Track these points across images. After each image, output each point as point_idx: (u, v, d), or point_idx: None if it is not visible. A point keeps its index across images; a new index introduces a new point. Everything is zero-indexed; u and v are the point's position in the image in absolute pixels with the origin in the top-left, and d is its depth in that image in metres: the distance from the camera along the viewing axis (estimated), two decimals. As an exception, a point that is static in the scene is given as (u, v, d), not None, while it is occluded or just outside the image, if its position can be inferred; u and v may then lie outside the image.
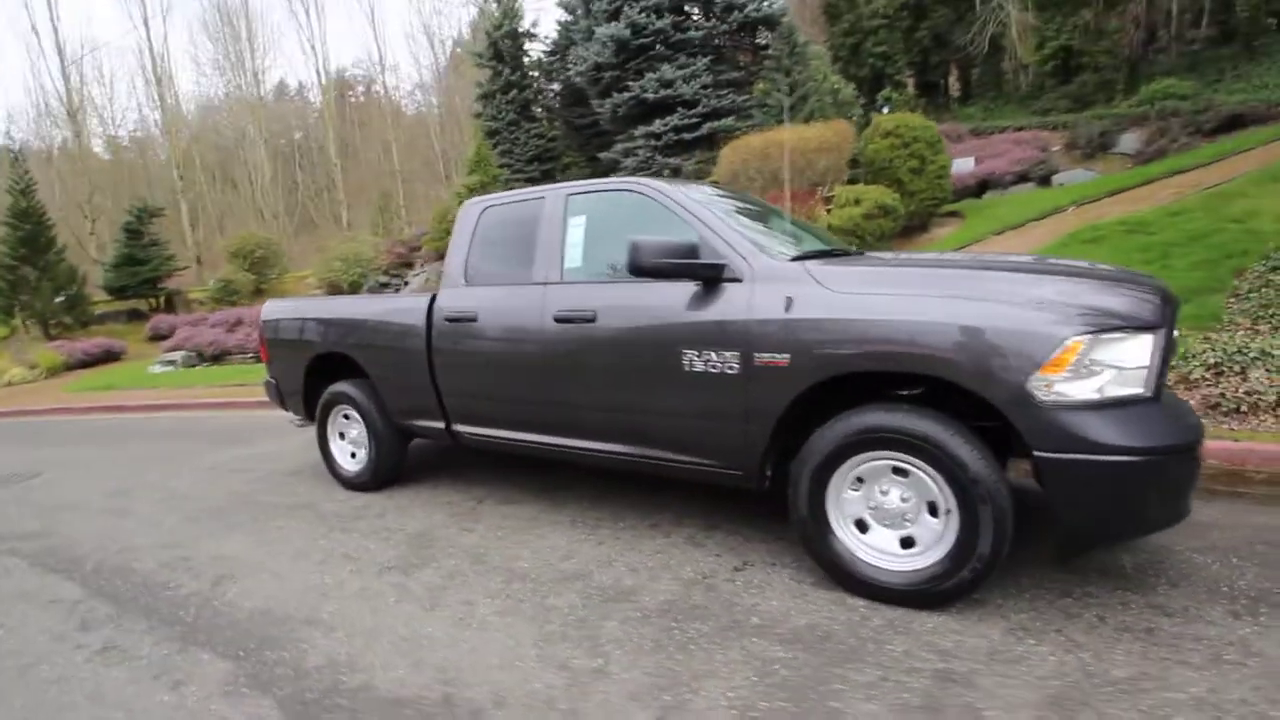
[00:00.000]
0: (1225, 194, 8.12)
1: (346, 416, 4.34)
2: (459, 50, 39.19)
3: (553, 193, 3.43)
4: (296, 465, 5.16)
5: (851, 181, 11.27)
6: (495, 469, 4.52)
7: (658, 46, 17.42)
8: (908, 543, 2.44)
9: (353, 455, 4.37)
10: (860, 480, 2.49)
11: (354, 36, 68.05)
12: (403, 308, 3.92)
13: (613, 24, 17.49)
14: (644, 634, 2.35)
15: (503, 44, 21.57)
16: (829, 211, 10.14)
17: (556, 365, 3.18)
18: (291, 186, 38.25)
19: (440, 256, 19.84)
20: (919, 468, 2.34)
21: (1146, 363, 2.15)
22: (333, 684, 2.18)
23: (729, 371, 2.65)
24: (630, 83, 17.72)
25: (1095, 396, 2.11)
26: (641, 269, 2.68)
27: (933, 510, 2.37)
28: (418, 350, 3.75)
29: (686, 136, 17.66)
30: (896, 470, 2.41)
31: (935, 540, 2.36)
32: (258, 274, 21.73)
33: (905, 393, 2.58)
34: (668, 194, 3.04)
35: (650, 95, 17.52)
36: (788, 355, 2.51)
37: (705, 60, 17.57)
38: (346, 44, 71.14)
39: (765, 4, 17.45)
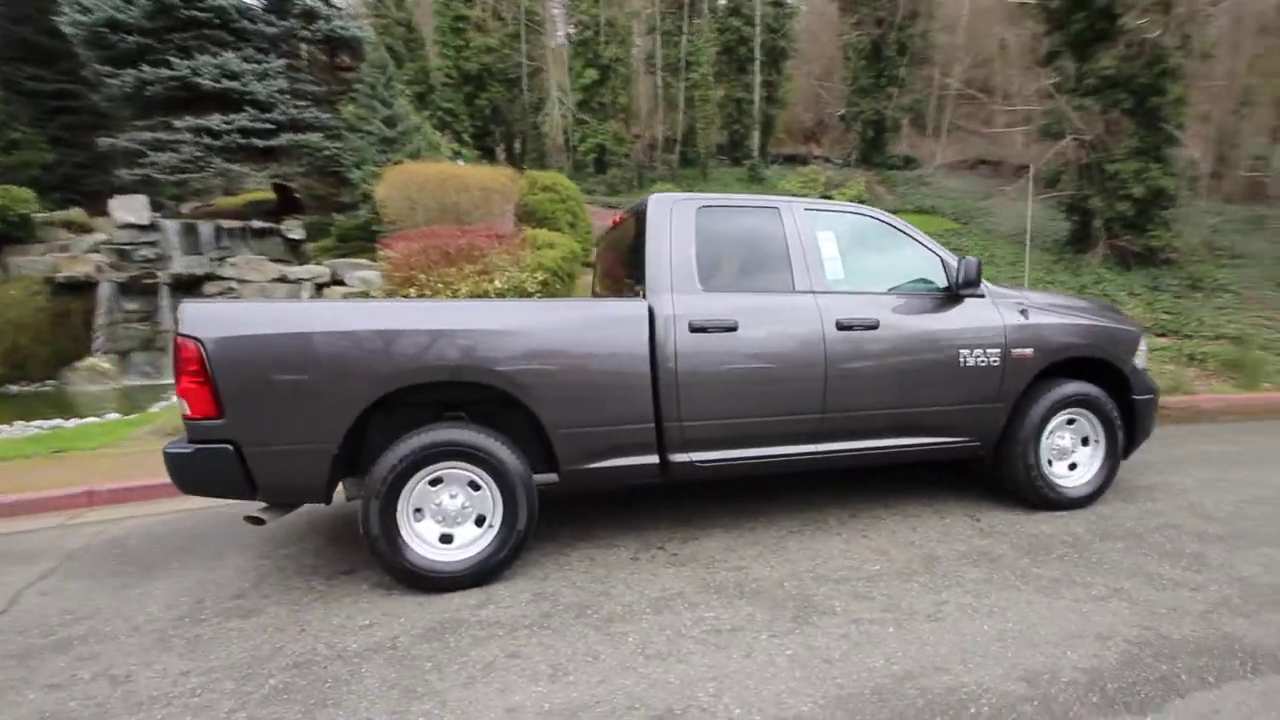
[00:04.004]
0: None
1: (435, 481, 2.88)
2: None
3: (786, 205, 3.45)
4: (198, 595, 2.85)
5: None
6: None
7: (216, 29, 13.99)
8: (1073, 466, 3.79)
9: (446, 539, 2.90)
10: (1050, 433, 3.72)
11: None
12: (605, 315, 3.02)
13: (147, -24, 13.20)
14: (1067, 571, 2.97)
15: None
16: (537, 250, 10.63)
17: (840, 372, 3.26)
18: None
19: None
20: (1084, 416, 3.75)
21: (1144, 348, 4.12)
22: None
23: (993, 364, 3.50)
24: (174, 59, 13.60)
25: (1141, 365, 3.95)
26: (970, 283, 3.29)
27: (1084, 442, 3.80)
28: (635, 368, 3.00)
29: (258, 143, 14.75)
30: (1068, 421, 3.75)
31: (1090, 461, 3.80)
32: None
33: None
34: (902, 223, 3.62)
35: (207, 82, 13.91)
36: (1031, 349, 3.56)
37: (281, 62, 15.08)
38: None
39: (353, 25, 16.25)
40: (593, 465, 3.06)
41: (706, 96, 21.01)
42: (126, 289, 11.62)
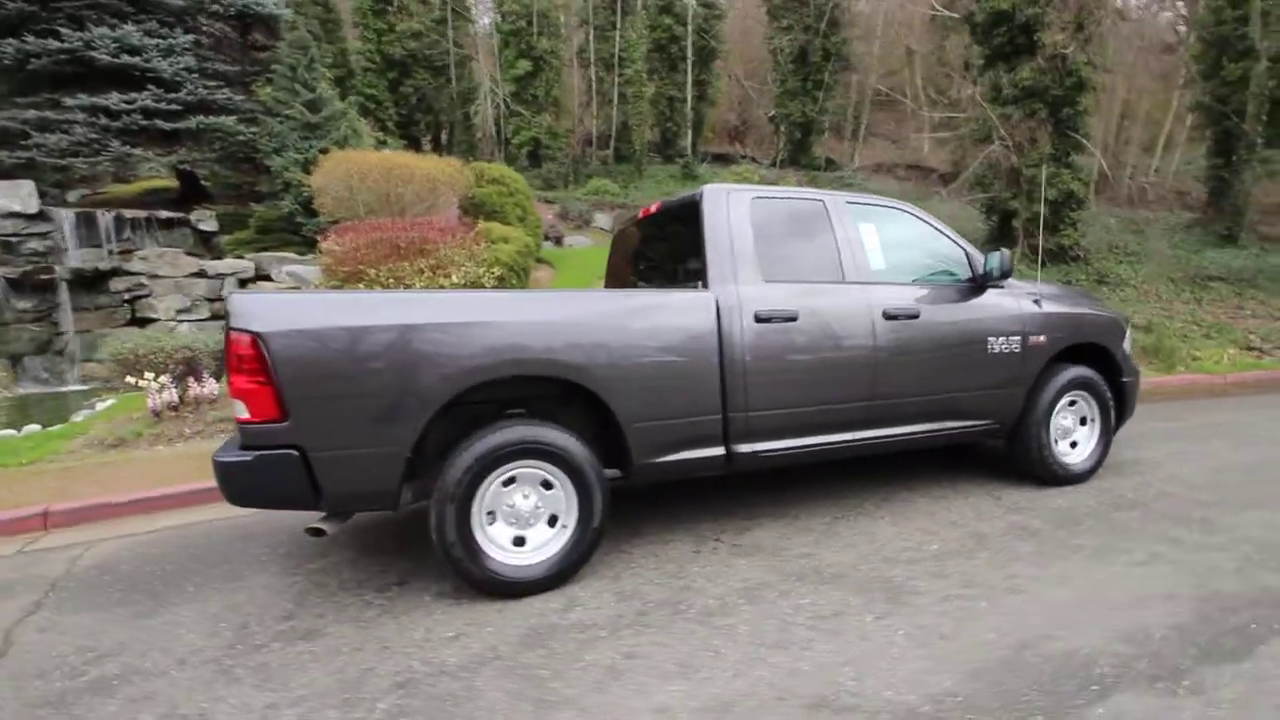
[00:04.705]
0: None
1: (509, 481, 2.74)
2: None
3: (830, 197, 3.51)
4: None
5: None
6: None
7: (113, -5, 12.62)
8: (1073, 445, 4.10)
9: (519, 541, 2.77)
10: (1056, 413, 4.01)
11: None
12: (674, 305, 2.96)
13: (27, -68, 11.71)
14: (1103, 540, 3.21)
15: None
16: (492, 244, 10.29)
17: (888, 360, 3.37)
18: None
19: None
20: (1084, 398, 4.05)
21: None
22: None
23: (1014, 351, 3.72)
24: (63, 29, 12.14)
25: (1128, 349, 4.32)
26: (1004, 274, 3.49)
27: (1083, 422, 4.12)
28: (707, 358, 2.97)
29: (164, 125, 13.47)
30: (1070, 402, 4.05)
31: (1088, 439, 4.11)
32: None
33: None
34: (931, 217, 3.77)
35: (103, 57, 12.53)
36: (1044, 337, 3.81)
37: (188, 38, 13.79)
38: None
39: (269, 1, 15.07)
40: (663, 459, 3.00)
41: (640, 93, 21.05)
42: (18, 285, 10.28)
